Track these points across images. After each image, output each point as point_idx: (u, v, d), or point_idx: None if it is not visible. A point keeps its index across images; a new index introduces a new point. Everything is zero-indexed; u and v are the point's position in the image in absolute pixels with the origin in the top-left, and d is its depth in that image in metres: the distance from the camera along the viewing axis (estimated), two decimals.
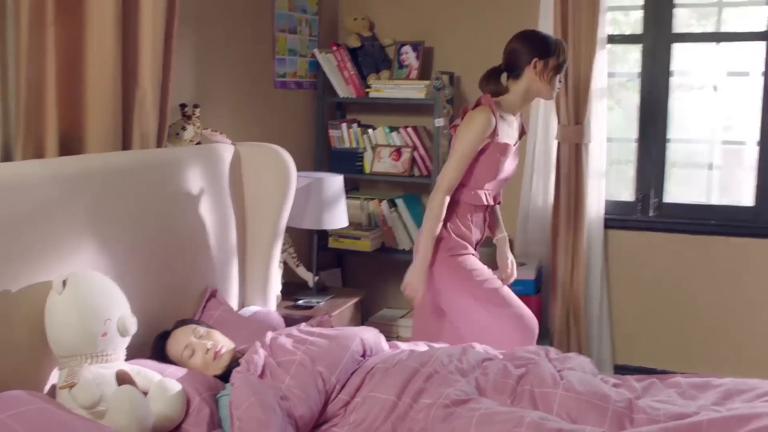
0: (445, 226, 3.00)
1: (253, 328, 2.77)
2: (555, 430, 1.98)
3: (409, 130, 4.32)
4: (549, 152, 4.13)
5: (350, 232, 4.29)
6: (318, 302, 3.71)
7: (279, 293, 3.42)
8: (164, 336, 2.50)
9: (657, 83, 4.11)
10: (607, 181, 4.13)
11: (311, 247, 3.95)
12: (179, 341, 2.44)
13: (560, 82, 3.05)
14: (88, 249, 2.35)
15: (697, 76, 4.19)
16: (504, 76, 3.07)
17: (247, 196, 3.19)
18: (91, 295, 2.18)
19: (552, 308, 4.13)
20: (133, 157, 2.69)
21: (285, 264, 3.68)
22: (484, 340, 2.74)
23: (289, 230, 3.50)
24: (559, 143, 4.06)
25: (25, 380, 2.12)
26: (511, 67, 3.03)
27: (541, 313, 4.07)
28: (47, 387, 2.23)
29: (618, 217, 4.20)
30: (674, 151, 4.17)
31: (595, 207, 4.10)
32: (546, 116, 4.12)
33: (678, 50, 4.09)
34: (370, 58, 4.42)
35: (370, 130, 4.40)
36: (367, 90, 4.35)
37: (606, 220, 4.13)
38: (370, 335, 2.58)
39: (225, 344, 2.46)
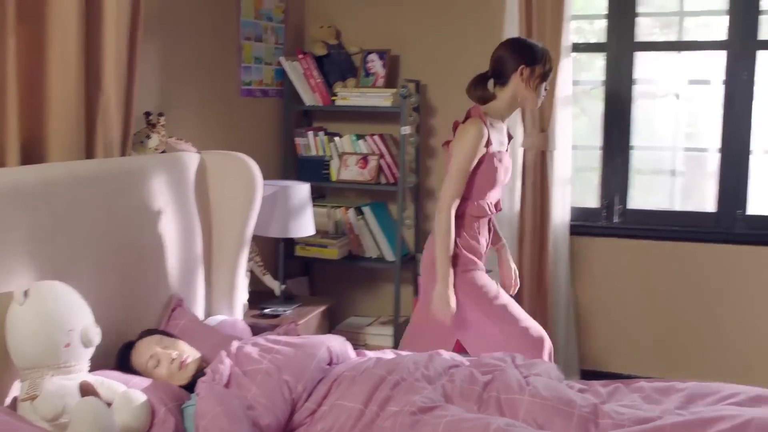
0: (454, 242, 2.98)
1: (219, 337, 2.74)
2: None
3: (376, 137, 4.32)
4: (514, 160, 4.15)
5: (317, 240, 4.29)
6: (285, 311, 3.69)
7: (245, 302, 3.40)
8: (129, 346, 2.48)
9: (621, 91, 4.16)
10: (572, 188, 4.16)
11: (278, 255, 3.93)
12: (144, 351, 2.42)
13: (545, 90, 3.07)
14: (50, 259, 2.32)
15: (659, 84, 4.25)
16: (491, 83, 3.08)
17: (213, 205, 3.17)
18: (54, 306, 2.16)
19: None
20: (97, 165, 2.66)
21: (251, 272, 3.66)
22: None
23: (256, 239, 3.48)
24: (524, 150, 4.09)
25: None
26: (498, 73, 3.03)
27: None
28: (8, 400, 2.19)
29: (583, 224, 4.24)
30: (638, 158, 4.23)
31: (560, 214, 4.13)
32: (511, 124, 4.14)
33: (641, 59, 4.15)
34: (336, 66, 4.42)
35: (336, 138, 4.40)
36: (334, 98, 4.35)
37: (571, 226, 4.16)
38: (337, 343, 2.58)
39: (190, 354, 2.44)
